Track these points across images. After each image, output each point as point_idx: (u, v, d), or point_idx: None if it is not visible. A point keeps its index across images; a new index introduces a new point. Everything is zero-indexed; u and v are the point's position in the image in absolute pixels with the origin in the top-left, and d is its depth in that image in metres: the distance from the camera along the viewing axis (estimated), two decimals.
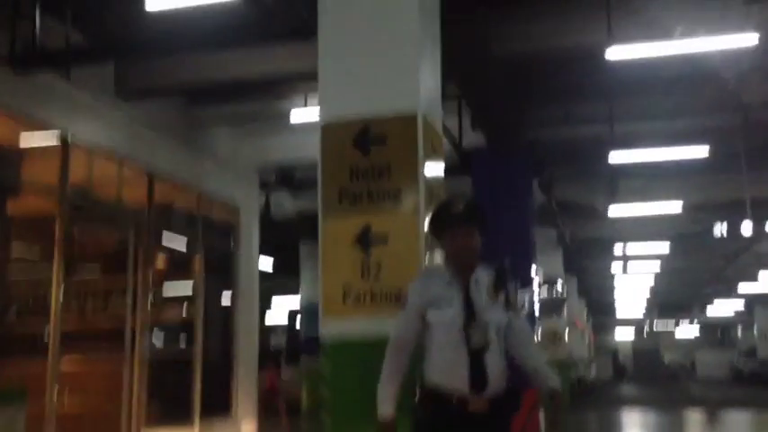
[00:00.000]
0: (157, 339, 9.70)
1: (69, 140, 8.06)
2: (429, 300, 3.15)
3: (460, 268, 3.19)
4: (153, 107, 9.41)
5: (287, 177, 13.17)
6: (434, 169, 4.72)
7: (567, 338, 16.45)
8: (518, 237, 10.23)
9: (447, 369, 3.09)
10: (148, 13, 7.06)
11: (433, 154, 4.69)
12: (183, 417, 9.14)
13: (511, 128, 10.15)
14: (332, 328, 4.43)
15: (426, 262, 4.35)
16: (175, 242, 10.38)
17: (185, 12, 6.96)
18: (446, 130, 8.22)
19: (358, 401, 4.28)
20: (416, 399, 3.19)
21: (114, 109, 8.77)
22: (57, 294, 8.02)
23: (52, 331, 7.91)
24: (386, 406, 3.18)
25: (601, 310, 39.08)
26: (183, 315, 9.49)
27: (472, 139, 10.04)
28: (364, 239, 4.40)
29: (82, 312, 8.60)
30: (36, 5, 6.97)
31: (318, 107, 4.81)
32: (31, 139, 8.10)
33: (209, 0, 6.75)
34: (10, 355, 7.81)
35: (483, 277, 3.22)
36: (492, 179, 10.29)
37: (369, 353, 4.30)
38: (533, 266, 10.51)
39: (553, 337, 14.29)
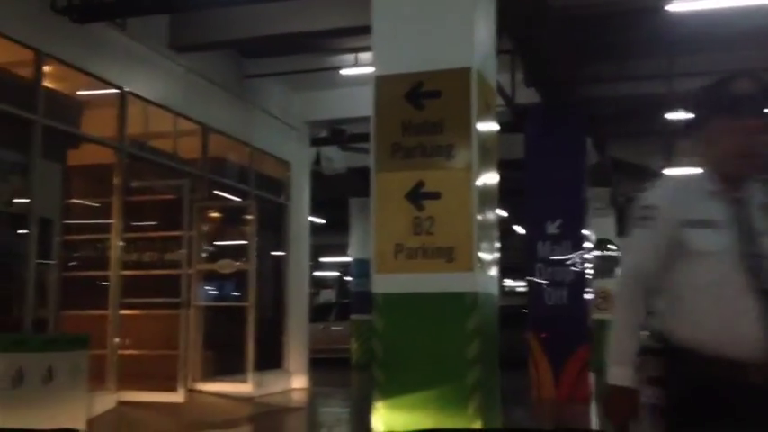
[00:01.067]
0: (211, 290, 9.93)
1: (126, 91, 8.20)
2: (686, 216, 2.14)
3: (732, 176, 2.17)
4: (206, 60, 9.48)
5: (337, 132, 13.18)
6: (488, 125, 4.68)
7: None
8: (570, 196, 10.11)
9: (716, 319, 2.07)
10: None
11: (486, 109, 4.64)
12: (237, 368, 9.38)
13: (565, 84, 9.95)
14: (384, 283, 4.46)
15: (480, 218, 4.34)
16: (228, 194, 10.54)
17: None
18: (499, 85, 8.10)
19: (410, 356, 4.33)
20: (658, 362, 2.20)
21: (169, 61, 8.87)
22: (116, 244, 8.25)
23: (112, 279, 8.16)
24: (623, 368, 2.16)
25: None
26: (236, 267, 9.66)
27: (526, 95, 9.88)
28: (417, 195, 4.39)
29: (139, 262, 8.84)
30: None
31: (371, 61, 4.78)
32: (89, 90, 8.25)
33: None
34: (74, 302, 8.10)
35: (761, 193, 2.20)
36: (545, 137, 10.16)
37: (421, 308, 4.35)
38: (586, 227, 10.38)
39: (605, 297, 14.17)
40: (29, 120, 6.93)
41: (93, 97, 8.45)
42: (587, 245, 10.44)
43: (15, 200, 6.98)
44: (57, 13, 7.06)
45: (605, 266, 14.55)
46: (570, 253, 9.77)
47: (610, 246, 15.16)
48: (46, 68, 7.16)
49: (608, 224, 16.64)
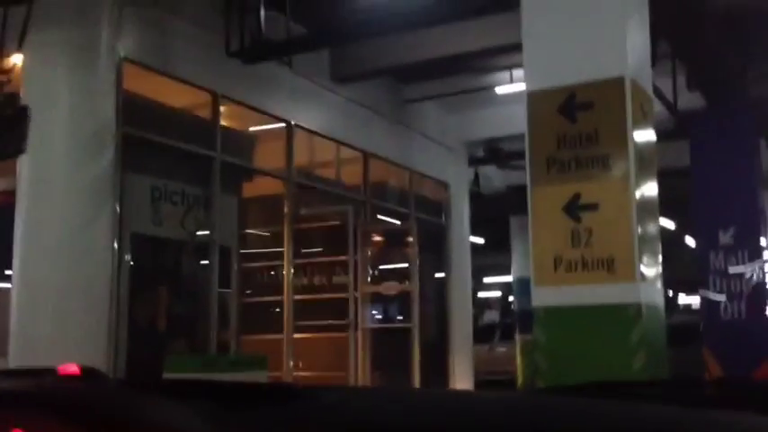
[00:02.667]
0: (377, 312, 10.25)
1: (293, 124, 8.73)
2: None
3: None
4: (365, 89, 9.89)
5: (494, 151, 13.23)
6: (645, 133, 4.60)
7: None
8: (744, 203, 9.56)
9: None
10: None
11: (642, 118, 4.58)
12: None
13: (732, 85, 9.46)
14: (545, 296, 4.49)
15: (640, 227, 4.27)
16: (390, 218, 10.87)
17: None
18: (659, 91, 7.87)
19: (573, 368, 4.31)
20: None
21: (331, 92, 9.34)
22: (288, 270, 8.74)
23: (285, 304, 8.65)
24: None
25: None
26: (400, 289, 9.92)
27: (689, 100, 9.50)
28: (574, 207, 4.40)
29: (309, 286, 9.31)
30: (261, 1, 7.58)
31: (524, 78, 4.85)
32: (260, 126, 8.86)
33: None
34: (251, 326, 8.66)
35: None
36: (712, 142, 9.69)
37: (583, 320, 4.33)
38: (763, 235, 9.77)
39: None
40: (209, 156, 7.55)
41: (264, 132, 9.06)
42: (766, 254, 9.80)
43: (199, 231, 7.59)
44: (230, 56, 7.66)
45: None
46: (747, 263, 9.22)
47: None
48: (222, 108, 7.78)
49: None
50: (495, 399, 0.87)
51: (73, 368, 0.53)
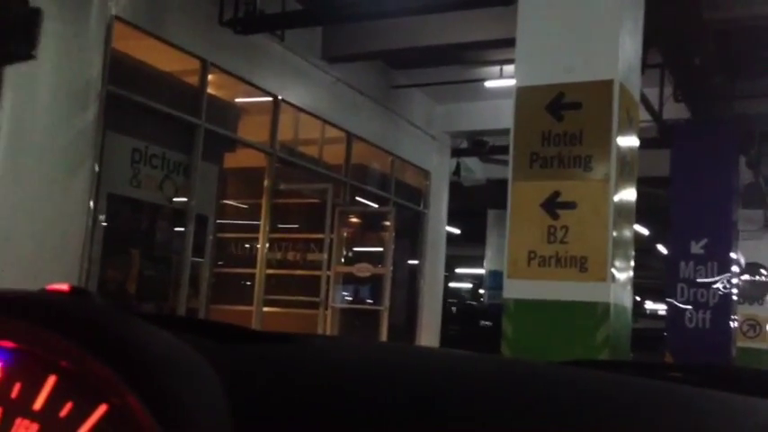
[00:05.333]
0: (348, 293, 10.28)
1: (279, 99, 8.70)
2: None
3: None
4: (355, 70, 9.88)
5: (478, 144, 13.28)
6: (629, 138, 4.66)
7: None
8: (719, 216, 9.68)
9: None
10: None
11: (628, 122, 4.63)
12: None
13: (717, 100, 9.56)
14: (516, 289, 4.55)
15: (615, 230, 4.33)
16: (369, 201, 10.89)
17: None
18: (646, 99, 7.94)
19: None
20: None
21: (320, 71, 9.31)
22: (263, 244, 8.74)
23: (257, 277, 8.65)
24: None
25: None
26: (373, 271, 9.96)
27: (674, 110, 9.59)
28: (552, 204, 4.46)
29: (283, 261, 9.32)
30: None
31: (514, 73, 4.88)
32: (247, 98, 8.82)
33: None
34: (222, 296, 8.66)
35: None
36: (693, 153, 9.80)
37: (551, 315, 4.40)
38: (734, 249, 9.91)
39: (753, 325, 13.43)
40: (193, 124, 7.51)
41: (250, 104, 9.02)
42: (735, 268, 9.95)
43: (176, 198, 7.56)
44: (223, 25, 7.61)
45: (755, 292, 13.78)
46: (716, 275, 9.36)
47: (762, 270, 14.32)
48: (210, 77, 7.73)
49: (761, 247, 15.71)
50: (499, 362, 0.90)
51: (62, 286, 0.54)
